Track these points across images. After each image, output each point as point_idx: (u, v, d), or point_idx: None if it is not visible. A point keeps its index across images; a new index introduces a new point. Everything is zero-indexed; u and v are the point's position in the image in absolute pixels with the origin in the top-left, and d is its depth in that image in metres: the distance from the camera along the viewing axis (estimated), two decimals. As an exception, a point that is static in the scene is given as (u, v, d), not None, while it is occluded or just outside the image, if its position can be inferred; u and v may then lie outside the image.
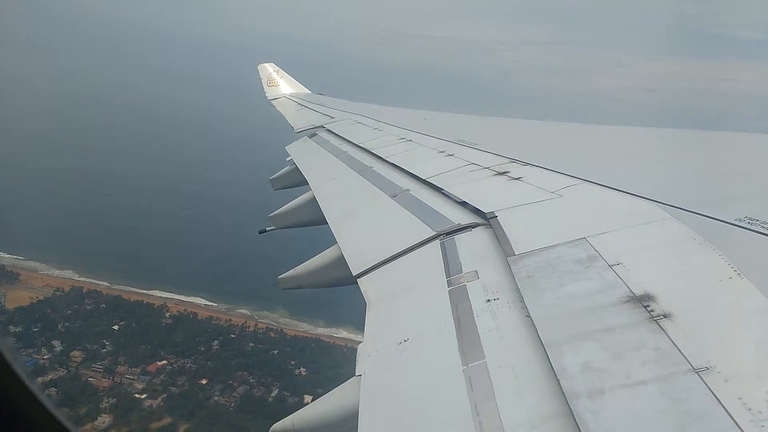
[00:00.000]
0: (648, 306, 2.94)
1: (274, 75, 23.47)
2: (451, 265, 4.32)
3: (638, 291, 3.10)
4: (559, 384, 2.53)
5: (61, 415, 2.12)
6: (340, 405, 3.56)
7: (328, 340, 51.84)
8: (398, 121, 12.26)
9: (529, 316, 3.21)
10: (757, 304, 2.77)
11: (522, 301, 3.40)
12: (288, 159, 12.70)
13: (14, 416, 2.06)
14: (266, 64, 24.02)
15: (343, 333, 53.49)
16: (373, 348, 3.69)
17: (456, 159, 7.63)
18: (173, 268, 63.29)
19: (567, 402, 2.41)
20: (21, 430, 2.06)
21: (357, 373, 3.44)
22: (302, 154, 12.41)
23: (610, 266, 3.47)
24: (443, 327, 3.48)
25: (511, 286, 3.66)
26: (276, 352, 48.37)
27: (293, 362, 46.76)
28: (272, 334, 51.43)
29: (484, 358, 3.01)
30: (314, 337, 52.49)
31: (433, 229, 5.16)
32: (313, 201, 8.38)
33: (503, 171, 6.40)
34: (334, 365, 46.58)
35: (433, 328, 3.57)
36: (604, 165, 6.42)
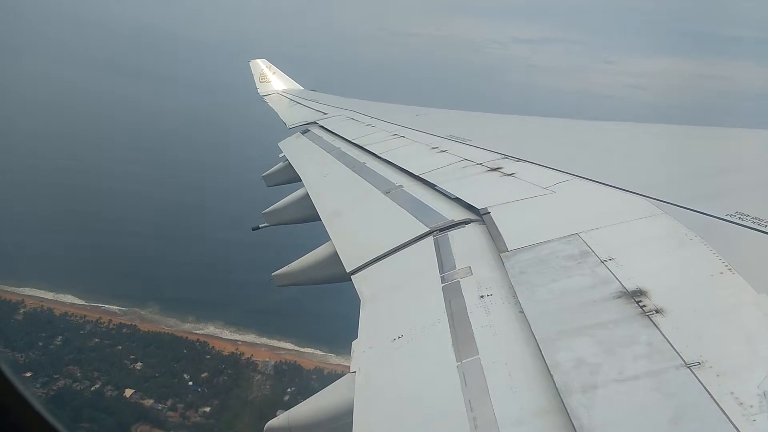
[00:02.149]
0: (640, 301, 2.96)
1: (266, 71, 23.35)
2: (444, 262, 4.33)
3: (630, 286, 3.12)
4: (553, 379, 2.55)
5: (52, 418, 2.11)
6: (335, 401, 3.57)
7: (183, 336, 50.54)
8: (391, 117, 12.24)
9: (522, 311, 3.22)
10: (748, 299, 2.80)
11: (515, 297, 3.41)
12: (280, 155, 12.67)
13: (4, 420, 2.05)
14: (258, 60, 23.89)
15: (209, 329, 52.50)
16: (367, 344, 3.69)
17: (449, 155, 7.63)
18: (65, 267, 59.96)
19: (560, 397, 2.43)
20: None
21: (351, 370, 3.44)
22: (295, 151, 12.37)
23: (602, 262, 3.49)
24: (437, 323, 3.49)
25: (504, 282, 3.68)
26: (120, 347, 47.55)
27: (133, 357, 46.04)
28: (125, 330, 50.30)
29: (477, 353, 3.02)
30: (170, 332, 51.08)
31: (427, 226, 5.16)
32: (306, 197, 8.37)
33: (496, 167, 6.41)
34: (177, 359, 46.35)
35: (427, 324, 3.57)
36: (596, 161, 6.44)
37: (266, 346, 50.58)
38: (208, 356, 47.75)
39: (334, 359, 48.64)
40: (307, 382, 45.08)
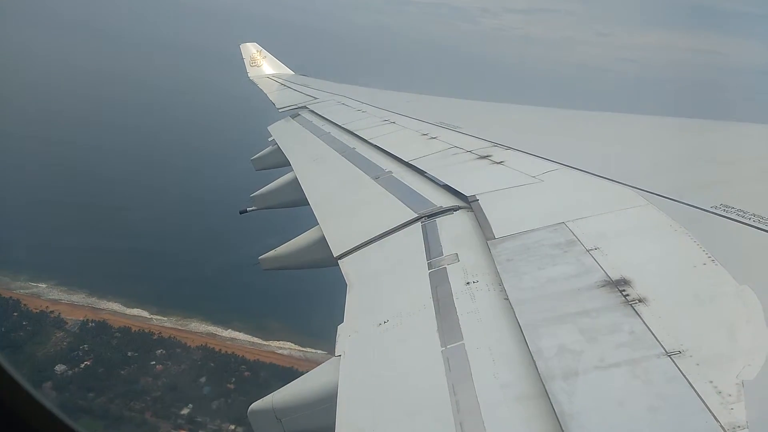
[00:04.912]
0: (624, 290, 2.98)
1: (257, 55, 23.16)
2: (431, 248, 4.34)
3: (615, 275, 3.15)
4: (535, 365, 2.57)
5: (64, 416, 2.10)
6: (320, 385, 3.58)
7: (18, 298, 49.61)
8: (382, 102, 12.20)
9: (507, 298, 3.24)
10: (729, 290, 2.83)
11: (501, 284, 3.43)
12: (270, 139, 12.59)
13: (18, 422, 2.03)
14: (248, 44, 23.66)
15: (37, 289, 52.21)
16: (352, 329, 3.70)
17: (439, 142, 7.63)
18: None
19: (542, 383, 2.45)
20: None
21: (336, 354, 3.45)
22: (284, 135, 12.30)
23: (587, 251, 3.51)
24: (423, 309, 3.50)
25: (490, 269, 3.69)
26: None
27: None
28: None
29: (462, 339, 3.04)
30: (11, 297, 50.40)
31: (415, 212, 5.17)
32: (295, 182, 8.34)
33: (485, 155, 6.42)
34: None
35: (412, 309, 3.59)
36: (585, 151, 6.46)
37: (90, 307, 50.60)
38: (16, 313, 47.53)
39: (156, 321, 49.30)
40: (107, 340, 45.41)
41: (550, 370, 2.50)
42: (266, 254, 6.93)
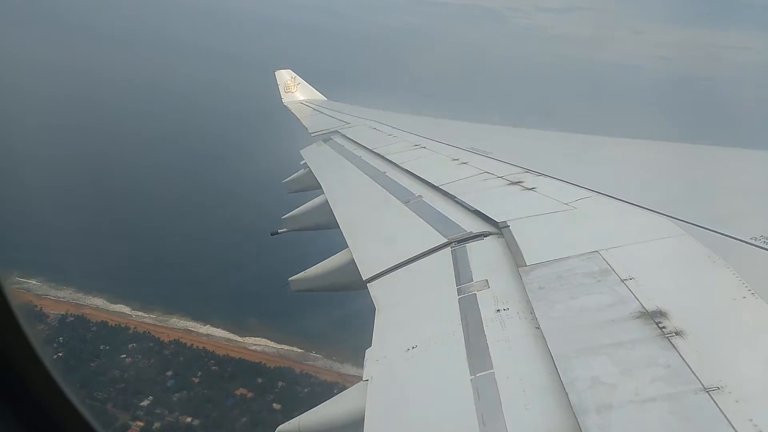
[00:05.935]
0: (660, 322, 2.91)
1: (291, 82, 23.71)
2: (461, 274, 4.31)
3: (650, 307, 3.08)
4: (568, 397, 2.51)
5: (89, 414, 2.13)
6: (347, 409, 3.56)
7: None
8: (412, 127, 12.29)
9: (538, 327, 3.19)
10: None
11: (532, 312, 3.38)
12: (302, 162, 12.78)
13: (42, 413, 2.08)
14: (283, 71, 24.25)
15: (28, 284, 52.51)
16: (381, 353, 3.68)
17: (470, 167, 7.63)
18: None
19: (575, 416, 2.39)
20: (48, 426, 2.08)
21: (364, 378, 3.43)
22: (316, 158, 12.47)
23: (622, 281, 3.45)
24: (452, 335, 3.47)
25: (521, 296, 3.65)
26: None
27: None
28: None
29: (492, 368, 2.99)
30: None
31: (445, 237, 5.16)
32: (326, 204, 8.41)
33: (517, 181, 6.39)
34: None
35: (441, 336, 3.56)
36: (618, 178, 6.39)
37: (75, 303, 51.54)
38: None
39: (135, 317, 50.19)
40: (83, 333, 46.16)
41: (583, 403, 2.45)
42: (296, 276, 6.98)
